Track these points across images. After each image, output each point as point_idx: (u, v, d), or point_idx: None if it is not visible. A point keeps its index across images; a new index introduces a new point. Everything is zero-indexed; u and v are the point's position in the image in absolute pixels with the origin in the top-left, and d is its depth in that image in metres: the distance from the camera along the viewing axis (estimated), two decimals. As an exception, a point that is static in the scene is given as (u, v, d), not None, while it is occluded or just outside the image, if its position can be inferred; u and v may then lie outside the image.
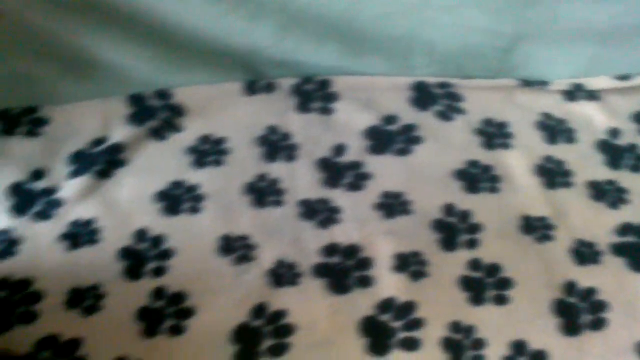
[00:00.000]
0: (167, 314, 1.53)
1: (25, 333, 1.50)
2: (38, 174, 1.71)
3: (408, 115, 1.86)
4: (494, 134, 1.84)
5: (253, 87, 1.88)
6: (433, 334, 1.50)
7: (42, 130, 1.79)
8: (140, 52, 1.78)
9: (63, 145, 1.76)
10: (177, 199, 1.69)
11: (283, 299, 1.55)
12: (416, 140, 1.81)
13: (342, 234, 1.64)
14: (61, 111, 1.81)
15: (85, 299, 1.54)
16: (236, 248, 1.62)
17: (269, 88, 1.88)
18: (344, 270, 1.59)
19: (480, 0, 1.76)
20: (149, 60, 1.80)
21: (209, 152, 1.77)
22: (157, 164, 1.75)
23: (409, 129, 1.83)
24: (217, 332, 1.51)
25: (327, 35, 1.80)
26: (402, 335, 1.50)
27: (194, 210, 1.68)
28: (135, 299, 1.55)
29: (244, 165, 1.75)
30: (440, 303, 1.55)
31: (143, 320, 1.52)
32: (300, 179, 1.73)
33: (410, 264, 1.59)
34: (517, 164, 1.79)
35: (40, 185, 1.70)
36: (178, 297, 1.55)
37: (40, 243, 1.62)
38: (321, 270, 1.59)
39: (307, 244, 1.63)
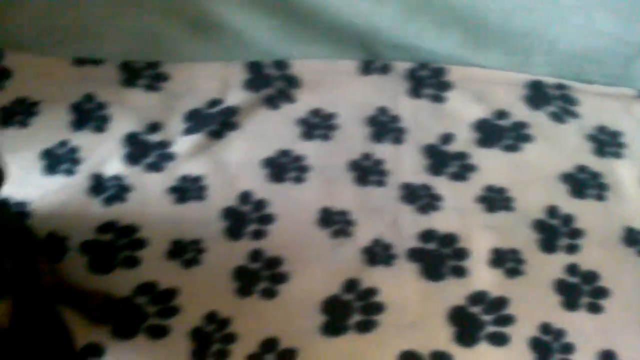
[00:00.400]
0: (261, 276, 1.57)
1: (126, 277, 1.57)
2: (154, 127, 1.78)
3: (520, 112, 1.84)
4: (607, 142, 1.80)
5: (368, 67, 1.89)
6: (522, 331, 1.50)
7: (162, 85, 1.85)
8: (265, 21, 1.81)
9: (180, 102, 1.82)
10: (283, 167, 1.72)
11: (375, 277, 1.57)
12: (525, 138, 1.79)
13: (441, 221, 1.65)
14: (182, 69, 1.87)
15: (186, 251, 1.60)
16: (335, 221, 1.65)
17: (384, 69, 1.89)
18: (439, 257, 1.60)
19: (614, 4, 1.72)
20: (272, 30, 1.83)
21: (318, 125, 1.80)
22: (268, 131, 1.78)
23: (520, 126, 1.81)
24: (308, 300, 1.55)
25: (450, 23, 1.80)
26: (491, 329, 1.50)
27: (298, 179, 1.71)
28: (233, 258, 1.60)
29: (351, 143, 1.77)
30: (533, 303, 1.54)
31: (238, 280, 1.57)
32: (405, 163, 1.75)
33: (506, 260, 1.59)
34: (626, 174, 1.75)
35: (155, 137, 1.76)
36: (274, 261, 1.59)
37: (149, 193, 1.68)
38: (416, 255, 1.60)
39: (405, 227, 1.64)
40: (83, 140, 1.75)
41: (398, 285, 1.57)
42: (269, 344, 1.49)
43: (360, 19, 1.81)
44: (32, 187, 1.66)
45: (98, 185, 1.68)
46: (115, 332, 1.50)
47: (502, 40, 1.83)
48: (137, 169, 1.71)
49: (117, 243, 1.61)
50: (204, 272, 1.58)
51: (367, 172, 1.73)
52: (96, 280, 1.56)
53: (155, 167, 1.71)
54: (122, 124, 1.78)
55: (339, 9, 1.79)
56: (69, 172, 1.69)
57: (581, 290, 1.56)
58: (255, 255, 1.60)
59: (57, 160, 1.71)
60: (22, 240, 1.34)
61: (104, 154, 1.73)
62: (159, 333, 1.50)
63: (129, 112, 1.80)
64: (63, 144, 1.74)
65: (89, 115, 1.78)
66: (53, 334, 1.10)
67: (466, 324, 1.51)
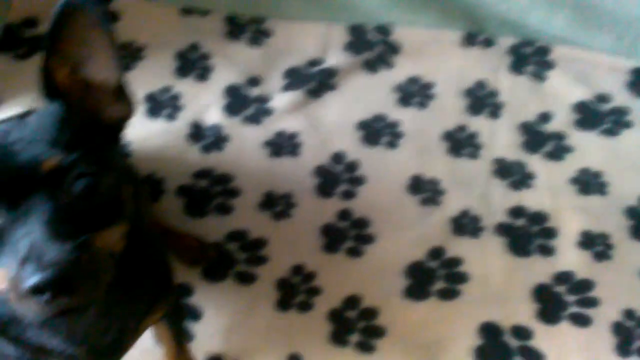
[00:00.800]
0: (348, 235, 1.60)
1: (218, 223, 1.62)
2: (254, 81, 1.81)
3: (622, 97, 1.81)
4: None
5: (471, 40, 1.88)
6: (605, 315, 1.49)
7: (265, 41, 1.88)
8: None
9: (281, 59, 1.85)
10: (377, 131, 1.74)
11: (461, 248, 1.58)
12: (625, 124, 1.76)
13: (532, 199, 1.65)
14: (285, 26, 1.90)
15: (277, 204, 1.64)
16: (425, 189, 1.66)
17: (487, 43, 1.88)
18: (527, 234, 1.60)
19: None
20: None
21: (415, 93, 1.80)
22: (365, 94, 1.80)
23: (620, 111, 1.78)
24: (392, 263, 1.57)
25: (562, 2, 1.78)
26: (574, 309, 1.50)
27: (392, 144, 1.72)
28: (322, 215, 1.63)
29: (447, 113, 1.78)
30: (618, 288, 1.53)
31: (325, 236, 1.60)
32: (500, 138, 1.74)
33: (595, 244, 1.57)
34: None
35: (255, 91, 1.79)
36: (361, 222, 1.62)
37: (245, 144, 1.72)
38: (504, 229, 1.60)
39: (495, 201, 1.64)
40: (185, 87, 1.80)
41: (483, 257, 1.57)
42: (352, 301, 1.52)
43: (466, -8, 1.81)
44: (134, 128, 1.71)
45: (197, 132, 1.73)
46: (204, 275, 1.55)
47: (611, 24, 1.80)
48: (236, 121, 1.75)
49: (212, 190, 1.66)
50: (293, 226, 1.62)
51: (460, 143, 1.73)
52: (190, 224, 1.61)
53: (253, 120, 1.75)
54: (224, 75, 1.82)
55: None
56: (170, 117, 1.75)
57: (669, 281, 1.55)
58: (344, 214, 1.63)
59: (160, 105, 1.77)
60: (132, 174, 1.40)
61: (204, 103, 1.78)
62: (246, 279, 1.55)
63: (231, 64, 1.84)
64: (166, 89, 1.79)
65: (193, 64, 1.83)
66: (157, 266, 1.15)
67: (549, 302, 1.51)
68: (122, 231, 0.89)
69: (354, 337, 1.48)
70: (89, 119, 0.91)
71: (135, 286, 1.06)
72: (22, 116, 0.89)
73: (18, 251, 0.79)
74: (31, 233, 0.79)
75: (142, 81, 1.80)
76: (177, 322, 1.36)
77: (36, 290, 0.76)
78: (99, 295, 0.83)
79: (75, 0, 0.86)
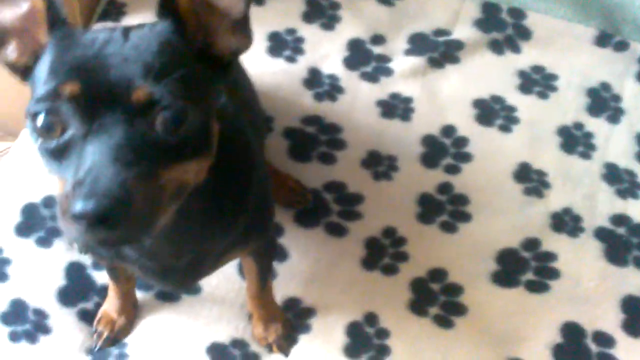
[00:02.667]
0: (445, 209, 1.59)
1: (318, 171, 1.63)
2: (378, 39, 1.80)
3: None
4: None
5: (604, 39, 1.84)
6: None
7: (396, 2, 1.86)
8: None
9: (408, 23, 1.84)
10: (493, 112, 1.72)
11: (557, 244, 1.56)
12: None
13: (637, 210, 1.61)
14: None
15: (380, 164, 1.64)
16: (531, 179, 1.64)
17: (620, 46, 1.83)
18: (626, 244, 1.56)
19: None
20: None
21: (537, 82, 1.77)
22: (486, 73, 1.78)
23: None
24: (485, 245, 1.56)
25: None
26: (663, 327, 1.47)
27: (505, 128, 1.70)
28: (422, 184, 1.62)
29: (566, 108, 1.74)
30: None
31: (422, 205, 1.59)
32: (615, 143, 1.70)
33: (694, 266, 1.54)
34: None
35: (377, 49, 1.79)
36: (460, 199, 1.60)
37: (360, 99, 1.72)
38: (604, 235, 1.57)
39: (599, 205, 1.61)
40: (310, 33, 1.80)
41: (578, 258, 1.55)
42: (437, 274, 1.51)
43: (612, -10, 1.76)
44: (253, 63, 1.72)
45: (314, 79, 1.73)
46: (297, 219, 1.56)
47: None
48: (354, 74, 1.75)
49: (318, 137, 1.66)
50: (392, 188, 1.62)
51: (574, 141, 1.70)
52: (291, 166, 1.62)
53: (370, 77, 1.75)
54: (349, 28, 1.82)
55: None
56: (291, 59, 1.75)
57: None
58: (444, 187, 1.62)
59: (282, 45, 1.77)
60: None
61: (326, 51, 1.78)
62: (336, 231, 1.55)
63: (358, 19, 1.83)
64: (291, 31, 1.79)
65: (321, 11, 1.83)
66: (260, 203, 1.15)
67: (637, 315, 1.48)
68: (201, 166, 0.86)
69: (434, 309, 1.48)
70: (197, 47, 0.87)
71: (218, 217, 1.04)
72: (127, 29, 0.85)
73: (79, 167, 0.77)
74: (97, 153, 0.76)
75: (269, 19, 1.81)
76: (266, 260, 1.37)
77: (78, 217, 0.75)
78: (149, 229, 0.79)
79: None
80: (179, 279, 1.13)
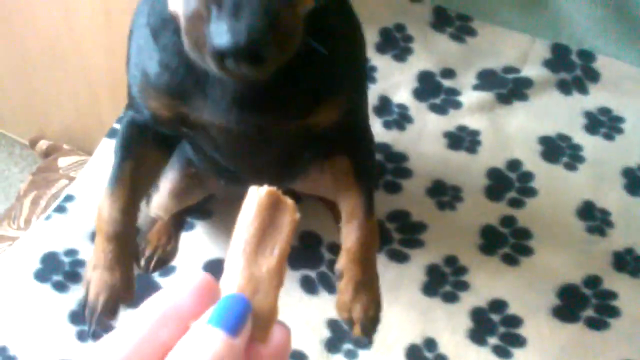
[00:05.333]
0: (508, 241, 1.61)
1: (383, 200, 1.66)
2: (448, 73, 1.85)
3: None
4: None
5: (671, 85, 1.86)
6: None
7: (467, 39, 1.91)
8: (588, 9, 1.82)
9: (479, 59, 1.88)
10: (558, 149, 1.74)
11: (618, 283, 1.57)
12: None
13: (701, 255, 1.61)
14: (490, 30, 1.91)
15: (445, 194, 1.67)
16: (594, 217, 1.65)
17: (687, 93, 1.85)
18: (689, 288, 1.57)
19: None
20: (591, 19, 1.84)
21: (603, 123, 1.79)
22: (554, 112, 1.80)
23: None
24: (546, 279, 1.56)
25: None
26: None
27: (570, 166, 1.72)
28: (486, 216, 1.65)
29: (631, 149, 1.76)
30: None
31: (484, 237, 1.61)
32: (679, 188, 1.72)
33: None
34: None
35: (447, 82, 1.83)
36: (523, 232, 1.62)
37: (426, 130, 1.76)
38: (666, 277, 1.58)
39: (662, 248, 1.62)
40: (383, 63, 1.85)
41: (638, 297, 1.55)
42: (498, 305, 1.53)
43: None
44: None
45: (383, 107, 1.78)
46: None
47: None
48: (423, 105, 1.79)
49: (386, 166, 1.71)
50: (455, 218, 1.64)
51: (639, 182, 1.72)
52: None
53: (439, 108, 1.79)
54: (421, 61, 1.86)
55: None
56: (363, 86, 1.81)
57: None
58: (508, 220, 1.64)
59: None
60: None
61: (396, 81, 1.83)
62: (398, 257, 1.57)
63: (430, 52, 1.88)
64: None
65: (394, 43, 1.88)
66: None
67: (696, 359, 1.48)
68: None
69: (493, 340, 1.49)
70: None
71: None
72: None
73: None
74: None
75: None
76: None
77: (225, 52, 0.65)
78: (281, 65, 0.70)
79: None
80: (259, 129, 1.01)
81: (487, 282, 1.57)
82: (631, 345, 1.49)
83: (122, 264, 1.09)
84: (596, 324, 1.51)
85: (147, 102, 1.03)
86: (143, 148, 1.11)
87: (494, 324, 1.51)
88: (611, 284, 1.57)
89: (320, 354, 1.44)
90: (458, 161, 1.72)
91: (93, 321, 1.06)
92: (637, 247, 1.61)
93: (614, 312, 1.53)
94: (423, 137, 1.75)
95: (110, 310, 1.07)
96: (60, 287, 1.49)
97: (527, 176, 1.70)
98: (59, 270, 1.51)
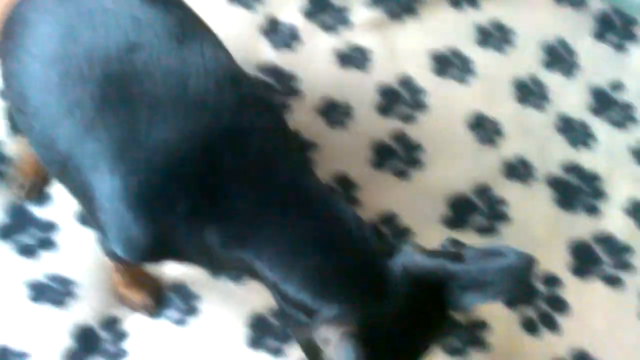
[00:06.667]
0: (398, 156, 1.60)
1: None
2: (337, -10, 1.81)
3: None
4: None
5: (562, -3, 1.86)
6: (637, 282, 1.48)
7: (356, -44, 1.87)
8: None
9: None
10: (449, 64, 1.73)
11: (508, 190, 1.58)
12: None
13: (588, 159, 1.63)
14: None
15: (335, 112, 1.64)
16: (485, 128, 1.65)
17: (578, 4, 1.84)
18: (577, 191, 1.59)
19: None
20: None
21: (495, 36, 1.78)
22: (445, 27, 1.78)
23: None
24: (436, 190, 1.57)
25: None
26: (609, 270, 1.49)
27: (461, 80, 1.71)
28: (376, 132, 1.63)
29: (522, 62, 1.76)
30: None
31: (375, 152, 1.60)
32: (569, 96, 1.72)
33: (644, 213, 1.57)
34: None
35: (337, 0, 1.78)
36: (414, 146, 1.61)
37: (316, 49, 1.72)
38: (555, 182, 1.59)
39: (552, 154, 1.64)
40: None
41: (529, 204, 1.57)
42: (388, 218, 1.53)
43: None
44: (212, 11, 1.72)
45: (273, 28, 1.73)
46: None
47: None
48: (312, 24, 1.74)
49: (275, 88, 1.66)
50: (346, 136, 1.62)
51: (529, 93, 1.71)
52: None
53: (330, 27, 1.74)
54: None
55: None
56: (249, 6, 1.74)
57: None
58: (399, 136, 1.63)
59: (241, -7, 1.77)
60: None
61: (284, 0, 1.78)
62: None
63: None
64: (250, -19, 1.80)
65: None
66: None
67: (585, 259, 1.50)
68: None
69: (384, 251, 1.49)
70: None
71: None
72: None
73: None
74: None
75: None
76: None
77: None
78: None
79: None
80: None
81: (378, 196, 1.56)
82: (520, 248, 1.50)
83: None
84: (486, 231, 1.52)
85: None
86: None
87: (384, 236, 1.50)
88: (502, 192, 1.57)
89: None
90: (349, 79, 1.69)
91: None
92: (527, 154, 1.62)
93: (504, 219, 1.54)
94: (313, 58, 1.71)
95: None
96: None
97: (418, 91, 1.69)
98: None
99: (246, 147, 0.99)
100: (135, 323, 1.39)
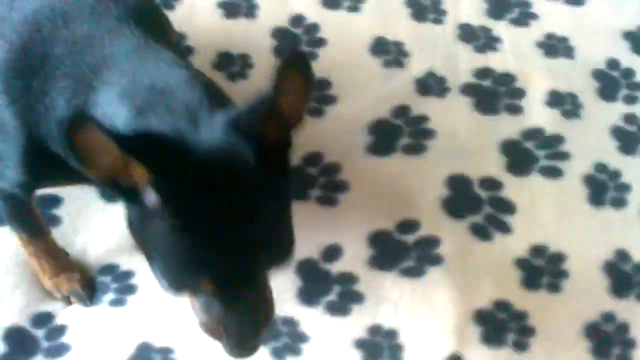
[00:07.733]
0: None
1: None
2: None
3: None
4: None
5: None
6: (577, 168, 1.46)
7: None
8: None
9: None
10: (339, -5, 1.67)
11: (426, 106, 1.53)
12: (590, -7, 1.73)
13: (498, 61, 1.60)
14: None
15: (233, 64, 1.55)
16: (388, 51, 1.59)
17: None
18: (494, 94, 1.55)
19: None
20: None
21: (378, -41, 1.73)
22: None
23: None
24: (355, 121, 1.50)
25: None
26: (545, 162, 1.46)
27: (353, 8, 1.65)
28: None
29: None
30: (588, 143, 1.50)
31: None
32: (463, 5, 1.69)
33: (564, 103, 1.54)
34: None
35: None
36: (322, 83, 1.53)
37: (197, 4, 1.62)
38: (470, 89, 1.55)
39: (460, 64, 1.59)
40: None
41: (449, 115, 1.52)
42: (312, 159, 1.45)
43: None
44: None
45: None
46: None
47: None
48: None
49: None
50: (248, 86, 1.51)
51: (424, 9, 1.67)
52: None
53: (207, -22, 1.66)
54: None
55: None
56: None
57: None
58: (307, 75, 1.55)
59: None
60: None
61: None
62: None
63: None
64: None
65: None
66: None
67: (518, 156, 1.46)
68: None
69: (315, 192, 1.41)
70: None
71: None
72: None
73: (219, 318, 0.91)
74: (236, 316, 0.91)
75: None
76: None
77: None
78: None
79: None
80: None
81: (297, 138, 1.47)
82: (453, 160, 1.46)
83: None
84: (414, 149, 1.46)
85: None
86: None
87: (312, 176, 1.42)
88: (420, 109, 1.52)
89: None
90: (239, 29, 1.61)
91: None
92: (436, 69, 1.57)
93: (429, 134, 1.48)
94: (197, 13, 1.61)
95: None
96: None
97: (313, 28, 1.61)
98: None
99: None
100: (71, 315, 1.26)
